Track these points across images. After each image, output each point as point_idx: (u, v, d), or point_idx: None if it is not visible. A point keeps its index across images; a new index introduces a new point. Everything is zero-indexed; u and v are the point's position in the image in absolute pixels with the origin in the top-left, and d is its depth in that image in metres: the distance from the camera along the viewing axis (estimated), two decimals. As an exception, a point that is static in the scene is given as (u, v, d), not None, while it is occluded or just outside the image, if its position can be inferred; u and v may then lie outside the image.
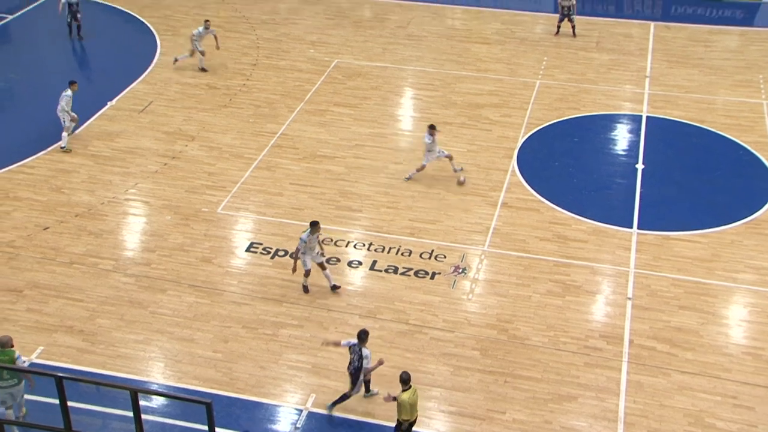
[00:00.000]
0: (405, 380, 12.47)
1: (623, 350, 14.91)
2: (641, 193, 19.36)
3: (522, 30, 28.18)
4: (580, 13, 28.37)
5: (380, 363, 13.33)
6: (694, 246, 17.59)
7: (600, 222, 18.36)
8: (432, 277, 16.74)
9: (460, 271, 16.93)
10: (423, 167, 19.64)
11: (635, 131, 22.03)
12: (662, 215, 18.57)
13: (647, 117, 22.60)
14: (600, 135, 22.07)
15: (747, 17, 29.48)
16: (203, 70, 24.98)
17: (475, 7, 30.15)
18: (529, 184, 19.69)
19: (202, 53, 24.84)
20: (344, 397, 13.55)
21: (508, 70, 25.27)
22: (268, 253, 17.33)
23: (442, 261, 17.19)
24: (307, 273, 16.10)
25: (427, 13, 29.28)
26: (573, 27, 27.15)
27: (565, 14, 27.07)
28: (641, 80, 24.57)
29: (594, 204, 19.05)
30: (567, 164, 20.64)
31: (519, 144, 21.31)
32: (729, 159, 20.69)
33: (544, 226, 18.27)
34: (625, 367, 14.57)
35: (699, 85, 24.15)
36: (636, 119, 22.56)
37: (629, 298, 16.14)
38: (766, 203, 18.83)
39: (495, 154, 20.91)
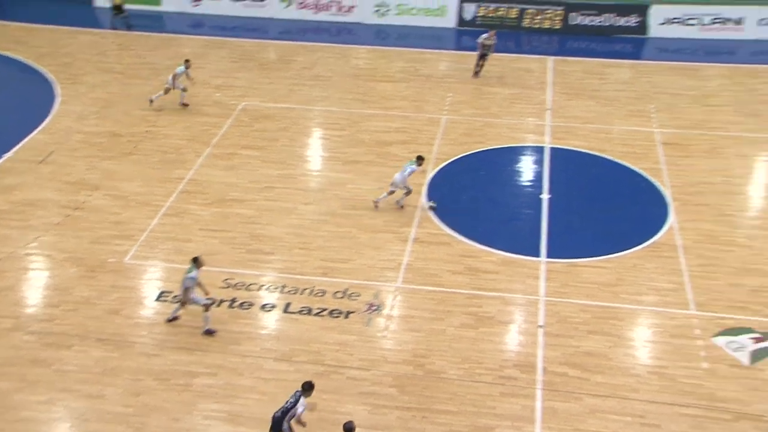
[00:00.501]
0: (349, 429, 12.39)
1: (537, 378, 15.16)
2: (548, 222, 19.87)
3: (426, 68, 28.75)
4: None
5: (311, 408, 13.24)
6: (600, 271, 18.11)
7: (509, 253, 18.72)
8: (346, 316, 16.70)
9: (375, 308, 16.96)
10: (392, 192, 20.00)
11: (539, 162, 22.65)
12: (568, 243, 19.08)
13: (550, 148, 23.29)
14: (506, 167, 22.61)
15: (636, 51, 30.90)
16: (185, 105, 25.02)
17: (379, 47, 30.65)
18: (439, 219, 19.95)
19: (184, 90, 24.93)
20: None
21: (414, 107, 25.70)
22: (179, 301, 16.98)
23: (356, 299, 17.19)
24: (207, 307, 15.87)
25: (332, 54, 29.59)
26: (481, 67, 27.60)
27: (485, 53, 27.46)
28: (542, 113, 25.35)
29: (503, 235, 19.43)
30: (475, 197, 21.03)
31: (428, 179, 21.61)
32: (627, 186, 21.47)
33: (455, 260, 18.51)
34: (539, 394, 14.80)
35: (596, 116, 25.08)
36: (539, 150, 23.22)
37: (540, 326, 16.46)
38: (662, 227, 19.60)
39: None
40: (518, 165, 22.75)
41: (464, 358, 15.61)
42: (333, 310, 16.85)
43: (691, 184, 21.34)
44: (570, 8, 31.89)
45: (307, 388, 13.16)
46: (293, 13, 33.45)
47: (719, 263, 18.20)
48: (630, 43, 31.19)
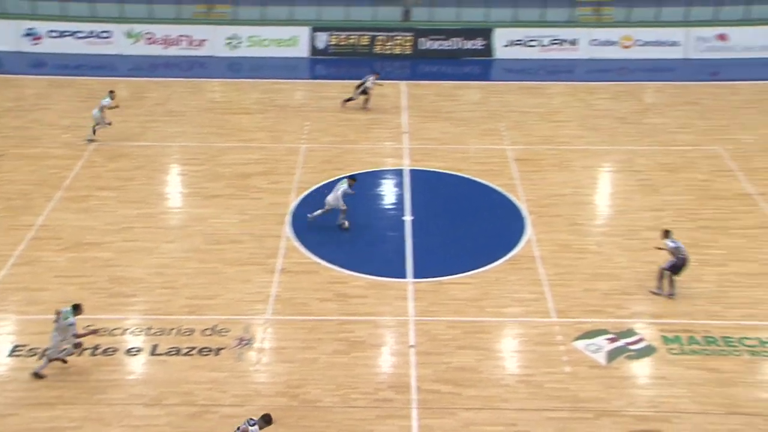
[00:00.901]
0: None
1: (411, 397, 15.33)
2: (412, 243, 20.24)
3: (282, 98, 28.81)
4: (335, 78, 29.57)
5: None
6: (465, 287, 18.59)
7: (377, 276, 18.92)
8: (217, 353, 16.34)
9: (245, 342, 16.69)
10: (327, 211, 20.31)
11: (399, 185, 23.10)
12: (433, 262, 19.49)
13: (409, 170, 23.80)
14: (367, 192, 22.87)
15: (484, 72, 32.20)
16: (92, 140, 24.54)
17: (233, 80, 30.46)
18: (305, 247, 19.93)
19: (109, 123, 24.53)
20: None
21: (272, 138, 25.66)
22: (35, 354, 16.10)
23: (226, 335, 16.86)
24: (77, 345, 15.33)
25: (185, 88, 29.14)
26: (366, 101, 27.57)
27: (365, 90, 27.34)
28: (399, 136, 25.91)
29: (369, 259, 19.62)
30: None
31: (291, 209, 21.57)
32: (486, 202, 22.21)
33: (323, 287, 18.52)
34: (415, 413, 14.97)
35: (451, 137, 25.87)
36: (399, 173, 23.68)
37: (412, 346, 16.69)
38: (520, 240, 20.40)
39: (268, 221, 21.00)
40: (379, 189, 23.11)
41: (339, 385, 15.59)
42: (202, 348, 16.45)
43: (544, 197, 22.33)
44: (419, 34, 32.86)
45: (268, 420, 13.18)
46: (142, 48, 32.75)
47: (574, 271, 19.10)
48: (478, 65, 32.45)
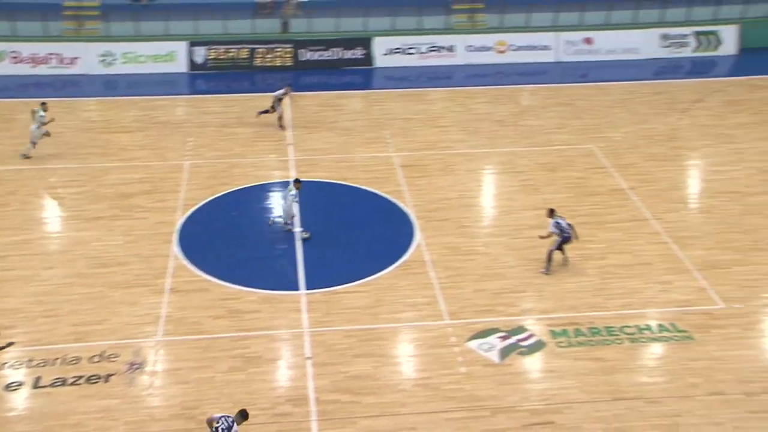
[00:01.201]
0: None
1: (310, 410, 15.28)
2: (303, 254, 20.18)
3: (162, 114, 28.20)
4: (215, 92, 29.16)
5: None
6: (359, 296, 18.69)
7: (269, 290, 18.77)
8: (107, 380, 15.80)
9: (136, 366, 16.22)
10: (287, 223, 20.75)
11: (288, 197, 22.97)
12: (326, 272, 19.50)
13: (296, 182, 23.73)
14: (256, 205, 22.70)
15: (366, 81, 32.52)
16: (27, 157, 23.94)
17: (109, 98, 29.59)
18: (194, 265, 19.56)
19: (47, 134, 24.04)
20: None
21: (155, 156, 25.07)
22: None
23: (116, 360, 16.33)
24: None
25: (58, 108, 27.98)
26: (280, 118, 27.10)
27: (274, 106, 26.82)
28: (285, 148, 25.80)
29: (261, 273, 19.45)
30: (229, 238, 20.88)
31: (177, 227, 21.13)
32: (374, 210, 22.41)
33: (216, 304, 18.23)
34: (315, 426, 14.93)
35: (337, 146, 25.98)
36: (286, 186, 23.52)
37: (308, 358, 16.64)
38: (410, 245, 20.69)
39: (154, 241, 20.50)
40: (268, 202, 22.94)
41: (236, 402, 15.33)
42: (91, 376, 15.87)
43: (431, 201, 22.73)
44: (299, 45, 32.87)
45: (245, 415, 13.38)
46: (8, 68, 31.40)
47: (464, 272, 19.52)
48: (359, 74, 32.73)
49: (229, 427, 13.20)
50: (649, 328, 17.58)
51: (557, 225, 19.07)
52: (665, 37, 33.79)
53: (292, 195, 20.51)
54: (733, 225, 21.37)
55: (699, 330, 17.46)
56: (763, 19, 34.22)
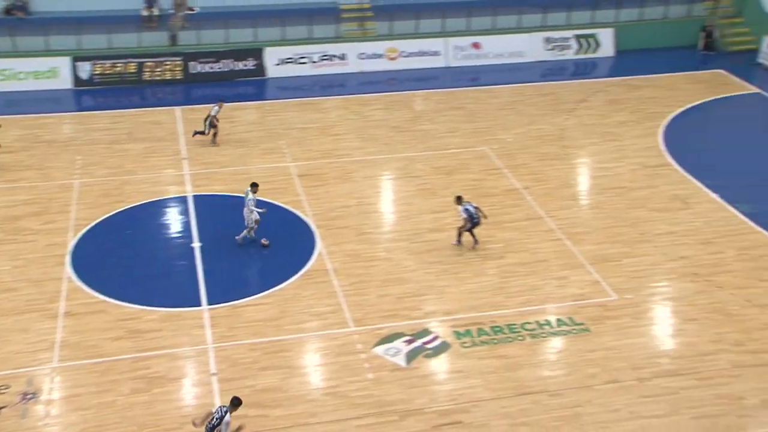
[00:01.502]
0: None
1: (219, 426, 15.03)
2: (203, 270, 19.84)
3: (48, 133, 27.19)
4: (103, 108, 28.33)
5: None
6: (262, 308, 18.52)
7: (170, 307, 18.38)
8: None
9: (29, 397, 15.55)
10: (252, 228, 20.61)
11: (185, 212, 22.56)
12: (227, 286, 19.24)
13: (193, 196, 23.31)
14: (152, 222, 22.17)
15: (259, 92, 32.25)
16: None
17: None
18: (89, 287, 18.95)
19: None
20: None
21: (41, 176, 24.14)
22: None
23: (6, 392, 15.62)
24: None
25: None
26: (214, 135, 26.50)
27: (213, 124, 26.26)
28: (179, 163, 25.30)
29: (160, 291, 19.01)
30: (125, 257, 20.31)
31: (70, 248, 20.41)
32: (274, 221, 22.21)
33: (114, 326, 17.70)
34: (224, 442, 14.69)
35: (232, 159, 25.66)
36: (183, 200, 23.13)
37: (214, 374, 16.37)
38: (312, 254, 20.65)
39: (45, 264, 19.75)
40: (164, 218, 22.44)
41: (140, 425, 14.96)
42: (-17, 410, 15.15)
43: (330, 209, 22.75)
44: (188, 57, 32.28)
45: (237, 404, 13.82)
46: None
47: (367, 279, 19.62)
48: (252, 86, 32.43)
49: (222, 417, 13.60)
50: (548, 323, 18.14)
51: (467, 211, 20.28)
52: (548, 40, 34.95)
53: (251, 199, 20.32)
54: (620, 219, 22.32)
55: (594, 322, 18.14)
56: (635, 23, 35.88)
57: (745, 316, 18.35)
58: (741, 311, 18.49)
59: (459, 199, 20.62)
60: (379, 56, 33.88)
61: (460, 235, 20.82)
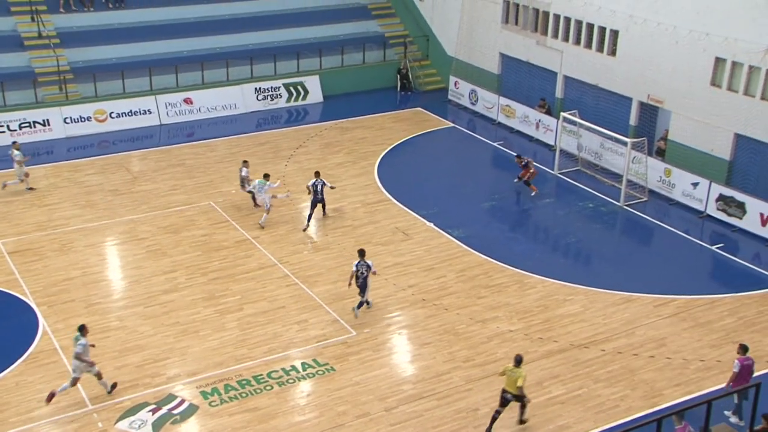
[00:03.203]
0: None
1: None
2: None
3: None
4: None
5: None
6: (-17, 403, 16.77)
7: None
8: None
9: None
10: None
11: None
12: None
13: None
14: None
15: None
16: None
17: None
18: None
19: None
20: (362, 304, 19.99)
21: None
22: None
23: None
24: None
25: None
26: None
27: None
28: None
29: None
30: None
31: None
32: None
33: None
34: None
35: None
36: None
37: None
38: (36, 335, 19.12)
39: None
40: None
41: None
42: None
43: (52, 284, 21.27)
44: None
45: (363, 253, 19.86)
46: None
47: (101, 352, 18.52)
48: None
49: (367, 266, 19.64)
50: (294, 368, 18.33)
51: (314, 186, 24.35)
52: (259, 90, 35.65)
53: (267, 186, 24.53)
54: (349, 258, 23.25)
55: (339, 360, 18.66)
56: (338, 69, 37.80)
57: (471, 332, 19.91)
58: (467, 329, 20.03)
59: (317, 174, 24.92)
60: (87, 119, 32.41)
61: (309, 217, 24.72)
